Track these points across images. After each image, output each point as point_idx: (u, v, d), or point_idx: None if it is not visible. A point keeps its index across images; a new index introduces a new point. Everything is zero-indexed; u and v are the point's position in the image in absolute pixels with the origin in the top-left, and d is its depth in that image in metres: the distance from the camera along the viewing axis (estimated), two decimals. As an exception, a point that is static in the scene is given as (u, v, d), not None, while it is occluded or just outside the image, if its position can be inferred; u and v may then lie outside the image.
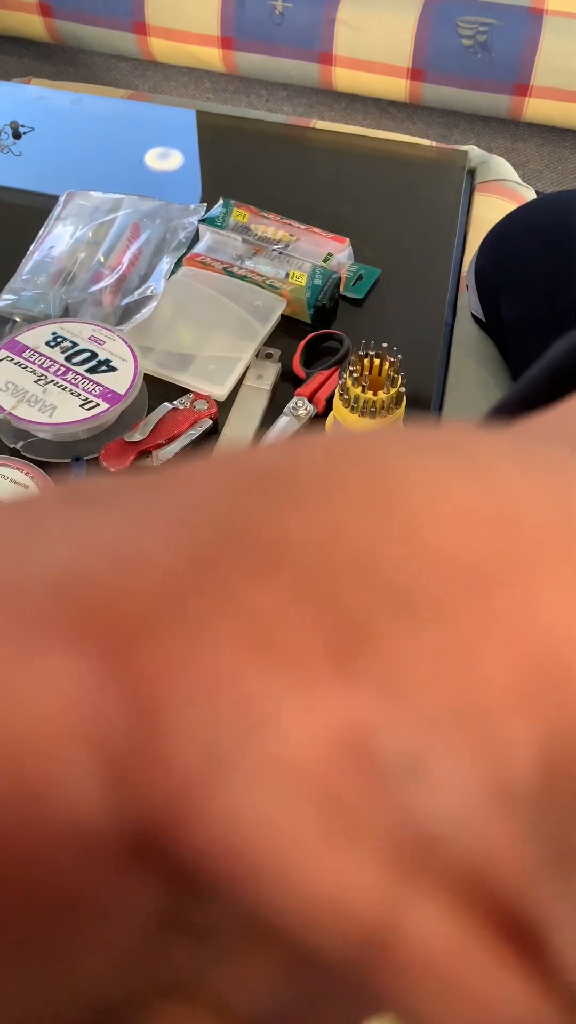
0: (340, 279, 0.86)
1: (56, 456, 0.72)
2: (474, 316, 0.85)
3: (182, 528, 0.07)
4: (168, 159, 1.04)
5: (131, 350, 0.75)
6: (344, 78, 1.83)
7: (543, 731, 0.07)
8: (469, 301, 0.86)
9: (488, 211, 0.98)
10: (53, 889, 0.07)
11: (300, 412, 0.76)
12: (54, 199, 0.94)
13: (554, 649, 0.07)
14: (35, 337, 0.75)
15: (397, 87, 1.81)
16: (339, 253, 0.88)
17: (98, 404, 0.71)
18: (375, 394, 0.69)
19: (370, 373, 0.71)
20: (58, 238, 0.88)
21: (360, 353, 0.71)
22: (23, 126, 1.05)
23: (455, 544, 0.07)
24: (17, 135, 1.04)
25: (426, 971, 0.06)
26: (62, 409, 0.71)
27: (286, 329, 0.84)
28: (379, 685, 0.07)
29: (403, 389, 0.70)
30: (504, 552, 0.07)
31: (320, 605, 0.07)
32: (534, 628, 0.07)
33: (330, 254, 0.87)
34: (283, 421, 0.75)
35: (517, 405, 0.20)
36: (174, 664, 0.06)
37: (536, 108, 1.75)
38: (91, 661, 0.06)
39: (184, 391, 0.77)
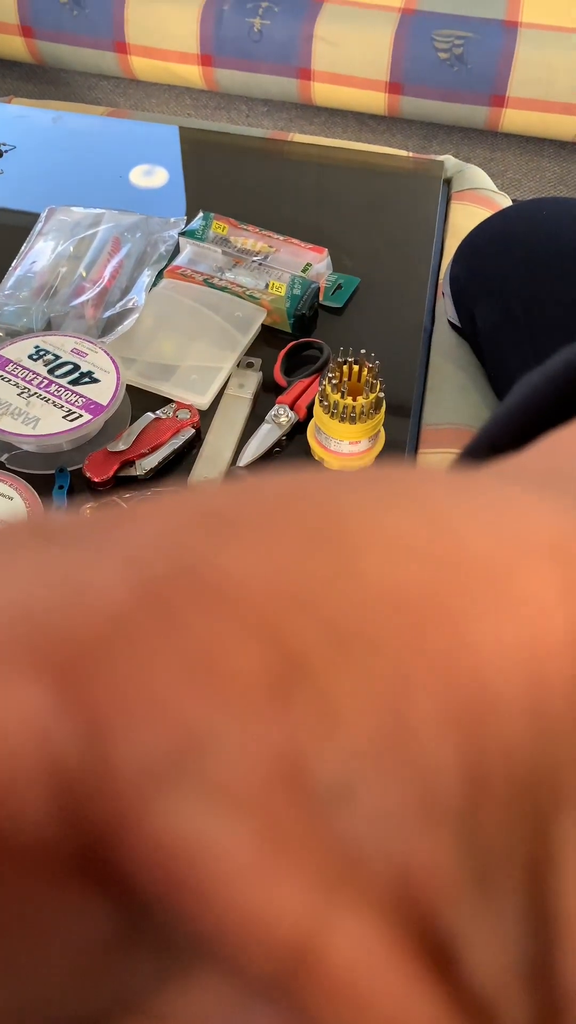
0: (319, 289, 0.87)
1: (40, 468, 0.73)
2: (450, 322, 0.87)
3: (134, 564, 0.08)
4: (153, 176, 1.05)
5: (113, 362, 0.76)
6: (323, 93, 1.85)
7: (469, 754, 0.07)
8: (445, 308, 0.87)
9: (465, 219, 0.99)
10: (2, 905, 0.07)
11: (281, 420, 0.77)
12: (36, 216, 0.95)
13: (479, 676, 0.08)
14: (18, 351, 0.76)
15: (376, 100, 1.83)
16: (318, 263, 0.89)
17: (81, 415, 0.72)
18: (354, 400, 0.70)
19: (349, 379, 0.72)
20: (40, 253, 0.89)
21: (339, 360, 0.72)
22: (4, 144, 1.06)
23: (390, 578, 0.08)
24: (-2, 153, 1.06)
25: (342, 991, 0.07)
26: (45, 421, 0.71)
27: (266, 339, 0.85)
28: (314, 714, 0.07)
29: (382, 394, 0.71)
30: (437, 586, 0.08)
31: (260, 638, 0.07)
32: (461, 658, 0.08)
33: (309, 264, 0.89)
34: (264, 429, 0.76)
35: (486, 448, 0.21)
36: (122, 691, 0.07)
37: (513, 119, 1.78)
38: (45, 687, 0.07)
39: (166, 401, 0.78)
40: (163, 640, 0.07)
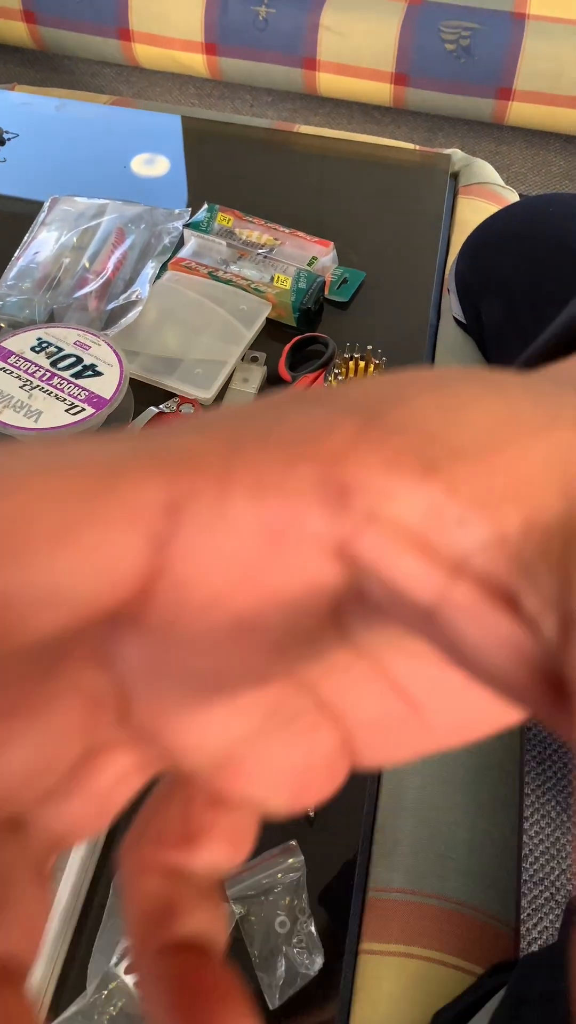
0: (325, 282, 0.87)
1: (42, 461, 0.72)
2: (456, 319, 0.86)
3: (352, 414, 0.13)
4: (154, 165, 1.04)
5: (116, 355, 0.75)
6: (328, 83, 1.83)
7: (525, 514, 0.12)
8: (451, 304, 0.86)
9: (472, 214, 0.98)
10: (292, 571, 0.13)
11: (286, 415, 0.76)
12: (39, 205, 0.94)
13: (533, 476, 0.12)
14: (20, 342, 0.75)
15: (381, 91, 1.82)
16: (324, 256, 0.88)
17: (84, 409, 0.71)
18: (360, 396, 0.69)
19: (355, 375, 0.72)
20: (43, 244, 0.88)
21: (345, 355, 0.71)
22: (7, 132, 1.05)
23: (475, 423, 0.13)
24: (1, 141, 1.04)
25: (462, 619, 0.12)
26: (48, 414, 0.71)
27: (271, 333, 0.84)
28: (445, 482, 0.12)
29: (388, 391, 0.71)
30: (508, 429, 0.13)
31: (426, 455, 0.12)
32: (527, 467, 0.12)
33: (315, 258, 0.88)
34: (269, 424, 0.75)
35: (542, 356, 0.27)
36: (364, 473, 0.12)
37: (519, 112, 1.77)
38: (316, 477, 0.12)
39: (170, 395, 0.77)
40: (374, 452, 0.12)
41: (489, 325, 0.79)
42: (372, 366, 0.71)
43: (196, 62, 1.88)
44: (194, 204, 0.95)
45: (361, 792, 0.57)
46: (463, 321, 0.84)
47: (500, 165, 1.83)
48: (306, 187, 1.02)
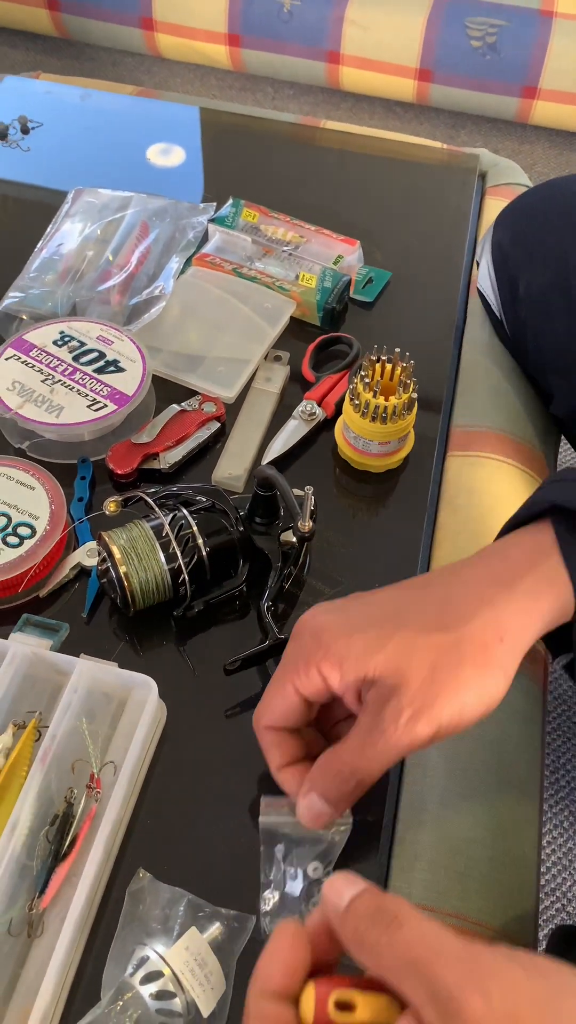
0: (350, 281, 0.85)
1: (62, 457, 0.71)
2: (481, 295, 0.84)
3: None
4: (169, 155, 1.02)
5: (139, 351, 0.74)
6: (351, 77, 1.82)
7: None
8: (478, 276, 0.84)
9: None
10: None
11: (309, 416, 0.75)
12: (62, 195, 0.93)
13: None
14: (42, 336, 0.74)
15: (405, 87, 1.80)
16: (349, 255, 0.87)
17: (106, 405, 0.70)
18: (387, 399, 0.68)
19: (382, 378, 0.70)
20: (66, 235, 0.87)
21: (372, 358, 0.70)
22: (31, 121, 1.04)
23: None
24: (25, 130, 1.03)
25: None
26: (69, 410, 0.70)
27: (295, 331, 0.83)
28: None
29: (415, 395, 0.69)
30: None
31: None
32: None
33: (340, 256, 0.86)
34: (292, 425, 0.74)
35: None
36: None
37: (544, 111, 1.75)
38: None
39: (192, 393, 0.76)
40: None
41: (529, 294, 0.77)
42: (399, 369, 0.70)
43: (219, 53, 1.87)
44: (216, 198, 0.94)
45: (381, 804, 0.56)
46: (492, 297, 0.82)
47: (523, 164, 1.81)
48: (331, 184, 1.00)
